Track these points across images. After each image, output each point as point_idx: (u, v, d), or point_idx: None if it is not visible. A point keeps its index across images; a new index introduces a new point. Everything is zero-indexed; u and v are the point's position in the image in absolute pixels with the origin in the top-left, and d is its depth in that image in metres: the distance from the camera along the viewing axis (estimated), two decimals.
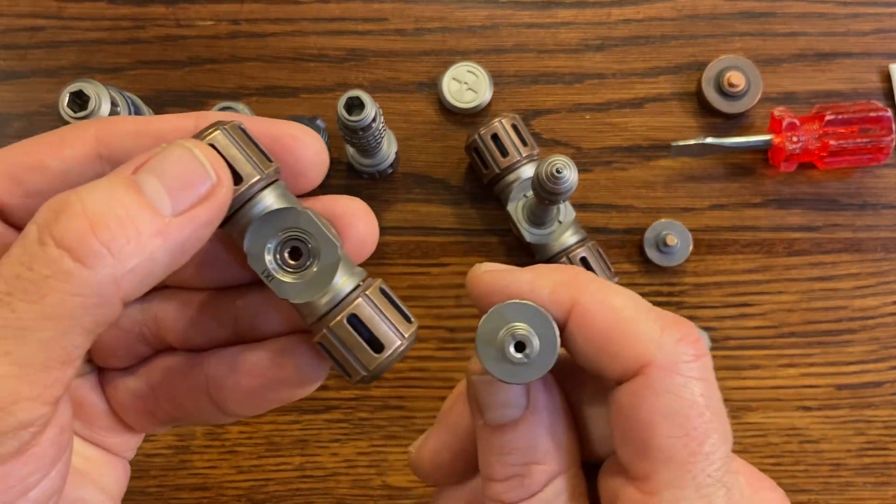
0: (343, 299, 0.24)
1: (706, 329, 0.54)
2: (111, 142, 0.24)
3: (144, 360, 0.28)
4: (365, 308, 0.24)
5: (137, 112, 0.44)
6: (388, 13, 0.57)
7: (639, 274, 0.56)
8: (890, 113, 0.54)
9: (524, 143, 0.53)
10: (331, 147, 0.56)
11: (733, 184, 0.57)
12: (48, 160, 0.24)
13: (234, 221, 0.24)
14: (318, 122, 0.55)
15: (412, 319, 0.26)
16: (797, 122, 0.54)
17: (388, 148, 0.54)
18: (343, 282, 0.24)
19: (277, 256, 0.24)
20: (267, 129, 0.25)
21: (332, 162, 0.56)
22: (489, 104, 0.56)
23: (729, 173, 0.57)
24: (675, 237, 0.55)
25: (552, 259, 0.53)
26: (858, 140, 0.54)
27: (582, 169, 0.56)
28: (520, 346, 0.23)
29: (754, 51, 0.58)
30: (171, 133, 0.24)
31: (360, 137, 0.48)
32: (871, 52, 0.58)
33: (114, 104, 0.42)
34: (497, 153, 0.52)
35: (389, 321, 0.25)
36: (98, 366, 0.29)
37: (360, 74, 0.57)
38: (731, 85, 0.56)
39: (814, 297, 0.56)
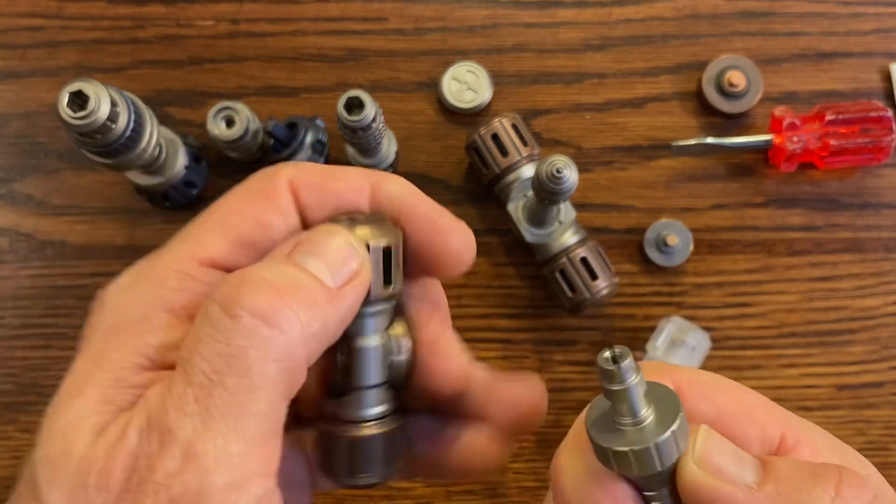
0: (361, 421, 0.26)
1: (706, 329, 0.53)
2: (298, 193, 0.25)
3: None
4: (368, 443, 0.26)
5: (137, 112, 0.44)
6: (388, 13, 0.57)
7: (639, 274, 0.56)
8: (891, 113, 0.54)
9: (524, 143, 0.53)
10: (331, 147, 0.56)
11: (734, 184, 0.57)
12: (269, 216, 0.25)
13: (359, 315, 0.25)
14: (318, 121, 0.55)
15: (397, 463, 0.27)
16: (798, 122, 0.54)
17: (388, 148, 0.54)
18: (372, 410, 0.26)
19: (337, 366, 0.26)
20: (429, 212, 0.26)
21: (332, 162, 0.56)
22: (489, 104, 0.56)
23: (729, 173, 0.57)
24: (676, 237, 0.54)
25: (552, 259, 0.53)
26: (859, 140, 0.54)
27: (582, 169, 0.55)
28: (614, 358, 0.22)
29: (755, 50, 0.57)
30: (350, 194, 0.26)
31: (360, 137, 0.48)
32: (872, 52, 0.58)
33: (113, 104, 0.42)
34: (497, 153, 0.52)
35: (385, 459, 0.27)
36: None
37: (360, 74, 0.57)
38: (731, 85, 0.56)
39: (814, 297, 0.56)
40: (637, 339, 0.55)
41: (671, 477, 0.22)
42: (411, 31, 0.57)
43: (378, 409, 0.26)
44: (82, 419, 0.22)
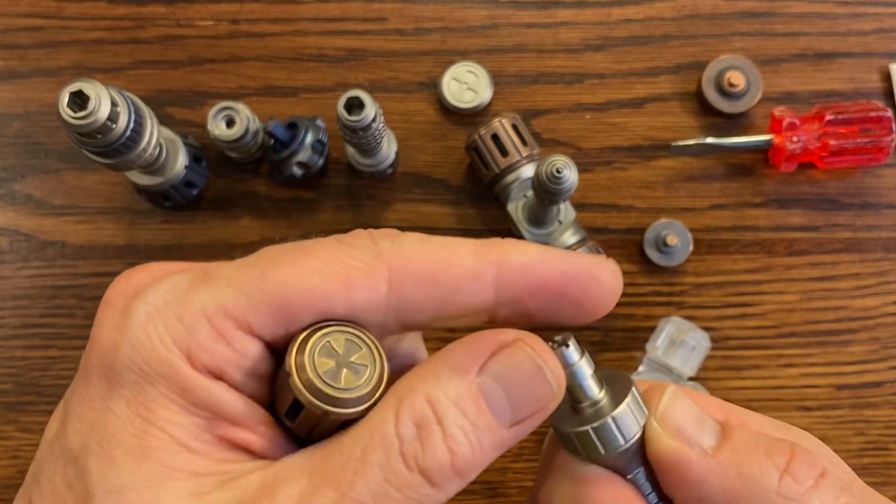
0: None
1: (706, 329, 0.53)
2: (402, 289, 0.21)
3: None
4: None
5: (137, 112, 0.44)
6: (388, 13, 0.57)
7: (639, 274, 0.56)
8: (890, 113, 0.54)
9: (524, 143, 0.53)
10: (331, 147, 0.56)
11: (733, 184, 0.57)
12: (337, 308, 0.21)
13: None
14: (319, 121, 0.55)
15: None
16: (797, 122, 0.54)
17: (388, 148, 0.54)
18: None
19: None
20: (563, 267, 0.22)
21: (332, 162, 0.56)
22: (489, 104, 0.56)
23: (729, 173, 0.57)
24: (676, 237, 0.54)
25: None
26: (859, 140, 0.54)
27: (582, 169, 0.55)
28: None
29: (754, 50, 0.57)
30: (466, 285, 0.22)
31: (360, 137, 0.48)
32: (872, 52, 0.58)
33: (114, 104, 0.42)
34: (497, 153, 0.52)
35: None
36: None
37: (360, 74, 0.57)
38: (731, 85, 0.56)
39: (814, 297, 0.56)
40: (637, 339, 0.55)
41: (643, 455, 0.23)
42: (411, 31, 0.57)
43: None
44: (159, 487, 0.20)
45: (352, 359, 0.21)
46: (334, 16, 0.57)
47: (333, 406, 0.21)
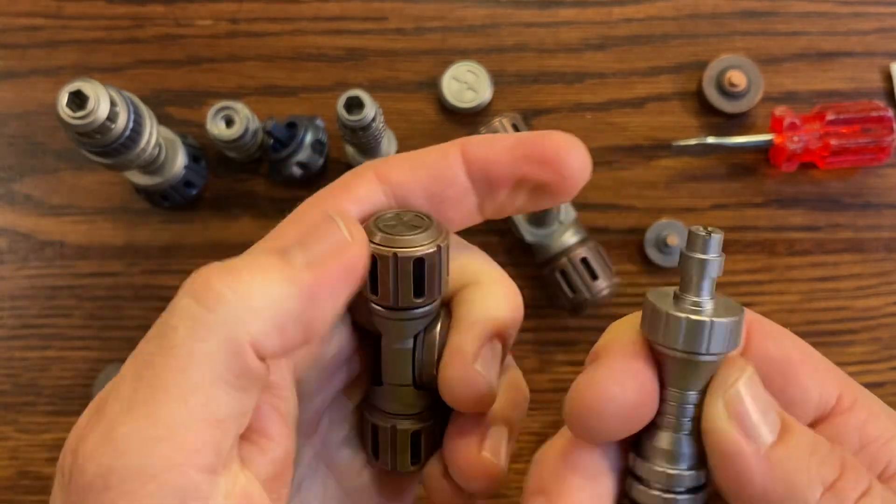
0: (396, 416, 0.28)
1: None
2: (390, 176, 0.25)
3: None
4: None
5: (136, 112, 0.44)
6: (388, 12, 0.57)
7: (639, 274, 0.56)
8: (891, 112, 0.54)
9: None
10: (331, 147, 0.55)
11: (734, 184, 0.57)
12: (346, 205, 0.25)
13: (391, 317, 0.25)
14: (318, 121, 0.54)
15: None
16: (798, 122, 0.54)
17: (388, 148, 0.53)
18: (410, 409, 0.28)
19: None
20: (530, 138, 0.25)
21: (332, 162, 0.56)
22: (489, 104, 0.56)
23: (730, 173, 0.57)
24: (676, 237, 0.54)
25: (552, 259, 0.52)
26: (860, 140, 0.54)
27: None
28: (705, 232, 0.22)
29: (755, 50, 0.57)
30: (440, 164, 0.26)
31: (359, 137, 0.48)
32: (873, 52, 0.58)
33: (113, 104, 0.41)
34: None
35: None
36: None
37: (360, 74, 0.57)
38: (732, 84, 0.56)
39: (815, 297, 0.56)
40: None
41: (699, 387, 0.22)
42: (411, 31, 0.57)
43: (401, 406, 0.27)
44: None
45: (407, 219, 0.25)
46: (334, 15, 0.57)
47: (394, 246, 0.24)
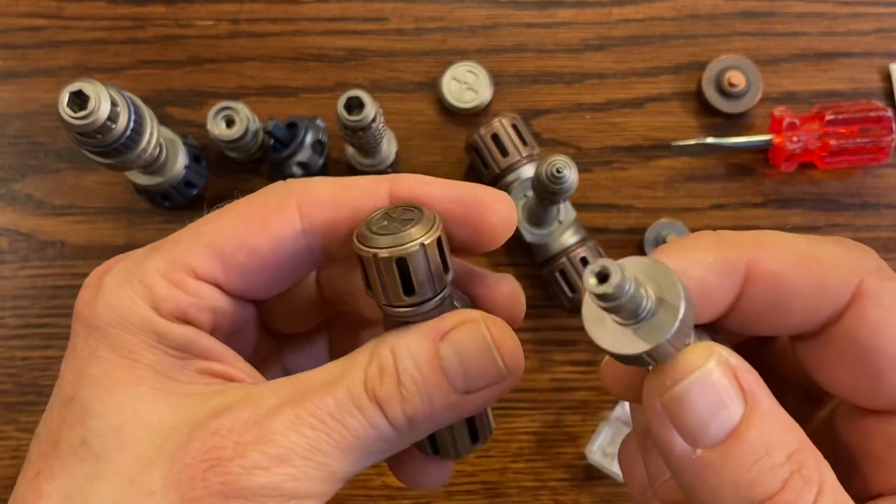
0: None
1: None
2: (312, 215, 0.25)
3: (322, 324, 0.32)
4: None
5: (137, 112, 0.44)
6: (388, 13, 0.57)
7: None
8: (890, 113, 0.54)
9: (524, 143, 0.53)
10: (331, 147, 0.56)
11: (734, 184, 0.57)
12: (259, 242, 0.25)
13: (392, 314, 0.25)
14: (318, 121, 0.55)
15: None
16: (797, 122, 0.54)
17: (388, 148, 0.54)
18: None
19: None
20: (458, 192, 0.25)
21: (332, 162, 0.56)
22: (489, 104, 0.56)
23: (729, 173, 0.57)
24: (676, 237, 0.54)
25: (552, 259, 0.53)
26: (859, 140, 0.54)
27: (582, 169, 0.55)
28: (602, 277, 0.19)
29: (755, 50, 0.57)
30: (366, 200, 0.25)
31: (360, 137, 0.48)
32: (872, 52, 0.58)
33: (113, 104, 0.42)
34: (497, 153, 0.52)
35: None
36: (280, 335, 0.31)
37: (360, 74, 0.57)
38: (731, 85, 0.56)
39: None
40: None
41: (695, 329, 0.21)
42: (411, 31, 0.57)
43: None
44: (154, 400, 0.23)
45: (402, 216, 0.24)
46: (334, 16, 0.57)
47: (375, 246, 0.23)
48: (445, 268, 0.24)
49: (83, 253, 0.55)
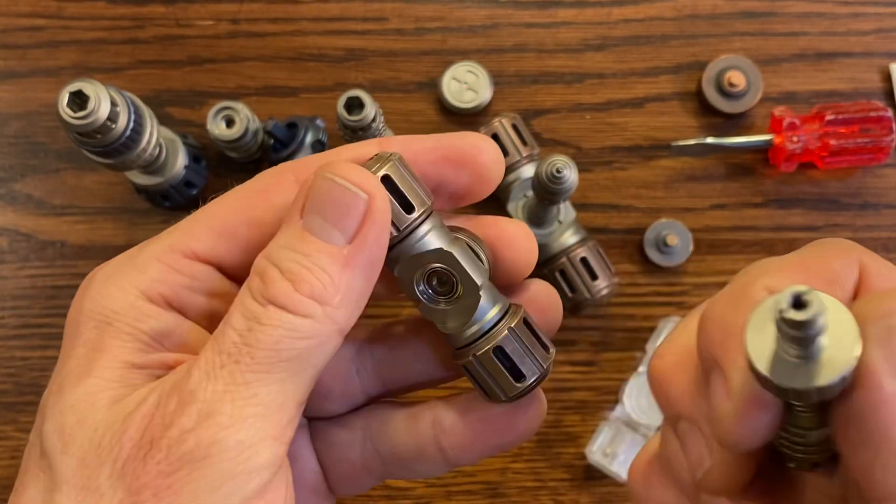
0: (489, 330, 0.25)
1: None
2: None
3: (357, 409, 0.29)
4: (510, 342, 0.25)
5: (137, 112, 0.44)
6: (388, 13, 0.57)
7: (639, 274, 0.56)
8: (890, 113, 0.54)
9: (524, 143, 0.53)
10: (331, 147, 0.56)
11: (734, 184, 0.57)
12: (261, 214, 0.25)
13: (400, 250, 0.25)
14: (318, 121, 0.55)
15: (550, 349, 0.27)
16: (798, 122, 0.54)
17: None
18: (489, 313, 0.25)
19: (427, 287, 0.25)
20: (448, 141, 0.25)
21: None
22: (489, 104, 0.56)
23: (729, 173, 0.57)
24: (676, 237, 0.54)
25: (552, 259, 0.53)
26: (859, 140, 0.54)
27: (582, 169, 0.55)
28: (799, 304, 0.17)
29: (755, 50, 0.57)
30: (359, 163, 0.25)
31: (360, 137, 0.48)
32: (872, 52, 0.58)
33: (113, 104, 0.42)
34: None
35: (531, 353, 0.26)
36: (309, 418, 0.28)
37: (360, 74, 0.57)
38: (731, 84, 0.56)
39: None
40: (637, 339, 0.55)
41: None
42: (411, 31, 0.57)
43: (498, 307, 0.26)
44: (96, 394, 0.22)
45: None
46: (334, 16, 0.57)
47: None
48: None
49: (83, 253, 0.55)
